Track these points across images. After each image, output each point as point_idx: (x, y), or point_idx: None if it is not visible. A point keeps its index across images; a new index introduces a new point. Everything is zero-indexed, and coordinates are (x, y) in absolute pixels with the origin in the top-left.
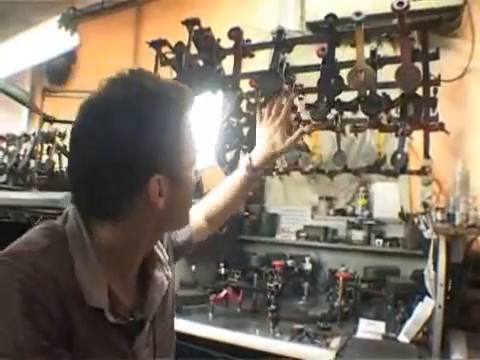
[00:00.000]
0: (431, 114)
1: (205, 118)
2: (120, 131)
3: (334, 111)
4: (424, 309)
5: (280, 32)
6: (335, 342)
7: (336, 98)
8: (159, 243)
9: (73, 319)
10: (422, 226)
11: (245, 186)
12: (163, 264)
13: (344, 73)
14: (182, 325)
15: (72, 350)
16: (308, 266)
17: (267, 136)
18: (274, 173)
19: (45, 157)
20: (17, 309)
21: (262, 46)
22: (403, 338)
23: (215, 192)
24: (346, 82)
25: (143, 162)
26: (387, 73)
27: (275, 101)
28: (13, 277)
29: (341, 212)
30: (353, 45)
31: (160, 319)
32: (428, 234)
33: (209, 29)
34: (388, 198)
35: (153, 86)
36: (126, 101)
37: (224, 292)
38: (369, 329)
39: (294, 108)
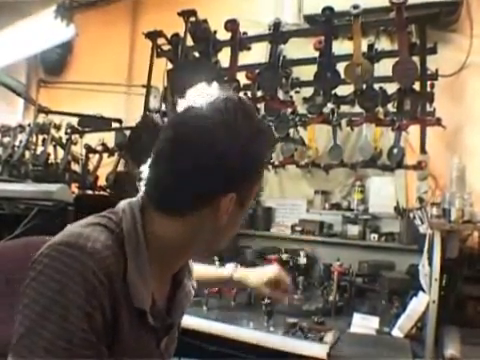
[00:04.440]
0: (428, 109)
1: None
2: (225, 143)
3: (330, 105)
4: (418, 304)
5: (277, 25)
6: (329, 336)
7: (333, 92)
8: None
9: (120, 319)
10: (417, 221)
11: (217, 284)
12: (191, 275)
13: (341, 67)
14: None
15: (112, 347)
16: (303, 260)
17: (265, 281)
18: (270, 167)
19: (40, 148)
20: (75, 302)
21: (259, 38)
22: (397, 333)
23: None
24: (343, 76)
25: (230, 178)
26: (384, 67)
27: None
28: (76, 270)
29: (336, 206)
30: (350, 38)
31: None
32: (423, 229)
33: (205, 21)
34: (384, 193)
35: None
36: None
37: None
38: (363, 324)
39: (291, 103)
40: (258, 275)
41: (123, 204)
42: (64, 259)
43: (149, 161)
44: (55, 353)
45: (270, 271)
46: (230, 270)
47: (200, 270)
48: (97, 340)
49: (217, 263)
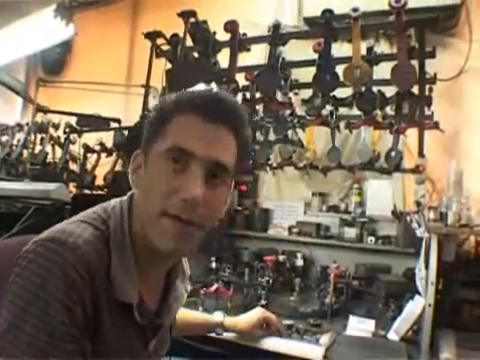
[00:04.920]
0: (426, 112)
1: None
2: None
3: (329, 107)
4: (414, 307)
5: (276, 26)
6: (325, 338)
7: (331, 94)
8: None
9: (101, 314)
10: (415, 224)
11: (200, 329)
12: (185, 277)
13: (340, 69)
14: None
15: (94, 343)
16: (300, 262)
17: (254, 324)
18: (268, 168)
19: (38, 147)
20: (56, 296)
21: (258, 40)
22: (393, 336)
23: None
24: (342, 78)
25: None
26: (383, 70)
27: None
28: (57, 264)
29: (334, 209)
30: (350, 41)
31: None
32: (420, 233)
33: (205, 22)
34: (381, 196)
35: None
36: None
37: (214, 286)
38: (359, 326)
39: (290, 105)
40: (246, 320)
41: (114, 201)
42: (46, 254)
43: None
44: (38, 347)
45: (256, 314)
46: (221, 317)
47: (190, 315)
48: (79, 334)
49: (214, 264)
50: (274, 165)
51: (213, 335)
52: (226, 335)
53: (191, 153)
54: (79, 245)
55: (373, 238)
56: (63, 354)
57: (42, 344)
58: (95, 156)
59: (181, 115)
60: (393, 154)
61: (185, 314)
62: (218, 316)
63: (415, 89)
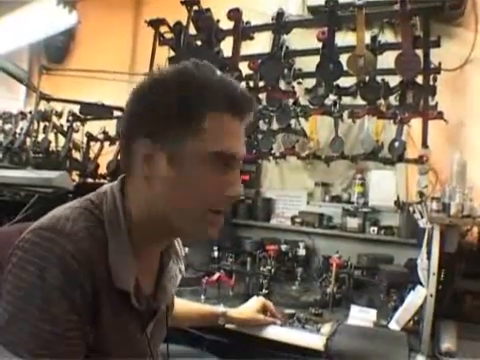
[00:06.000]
0: (430, 102)
1: None
2: (150, 93)
3: (332, 96)
4: (416, 297)
5: (280, 15)
6: (326, 328)
7: (335, 83)
8: (178, 240)
9: (100, 300)
10: (417, 215)
11: (204, 321)
12: (179, 258)
13: (344, 58)
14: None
15: (92, 329)
16: (302, 252)
17: (256, 310)
18: (271, 158)
19: (41, 136)
20: (55, 284)
21: (262, 28)
22: (394, 326)
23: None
24: (346, 67)
25: (145, 123)
26: (387, 59)
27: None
28: (55, 252)
29: (337, 199)
30: (354, 30)
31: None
32: (423, 223)
33: (209, 10)
34: (384, 186)
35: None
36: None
37: (216, 275)
38: (360, 316)
39: (293, 93)
40: (248, 308)
41: (105, 187)
42: (42, 243)
43: None
44: (41, 336)
45: (256, 303)
46: (223, 308)
47: (194, 307)
48: (80, 321)
49: (216, 253)
50: (277, 155)
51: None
52: (225, 323)
53: (235, 156)
54: (76, 232)
55: (375, 228)
56: (66, 342)
57: (45, 333)
58: (98, 145)
59: (216, 113)
60: (396, 144)
61: (188, 306)
62: (220, 308)
63: (419, 79)
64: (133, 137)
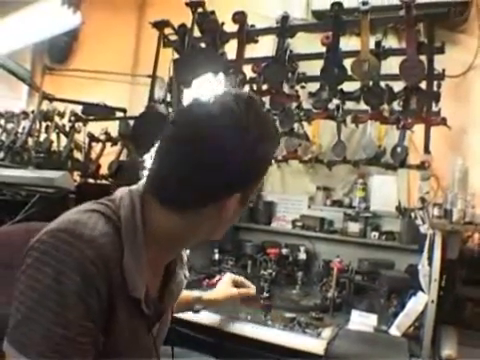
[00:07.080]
0: (433, 108)
1: None
2: (233, 145)
3: (336, 101)
4: (417, 303)
5: (285, 18)
6: (326, 332)
7: (338, 88)
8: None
9: (115, 305)
10: (419, 221)
11: (179, 307)
12: (183, 264)
13: (348, 63)
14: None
15: (106, 334)
16: (303, 256)
17: (227, 286)
18: (273, 161)
19: (43, 135)
20: (72, 289)
21: (266, 31)
22: (394, 331)
23: None
24: (349, 72)
25: (236, 179)
26: (391, 65)
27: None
28: (73, 257)
29: (338, 203)
30: (358, 35)
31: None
32: (424, 229)
33: (213, 12)
34: (386, 191)
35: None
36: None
37: (217, 277)
38: (361, 321)
39: (297, 97)
40: (221, 285)
41: (121, 192)
42: (61, 246)
43: (152, 153)
44: (52, 339)
45: (227, 280)
46: (197, 293)
47: None
48: (93, 327)
49: (217, 256)
50: (279, 158)
51: (214, 326)
52: (226, 326)
53: None
54: (96, 237)
55: (377, 233)
56: (76, 347)
57: (57, 337)
58: (100, 145)
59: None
60: (399, 150)
61: None
62: (195, 292)
63: (423, 85)
64: (231, 191)
